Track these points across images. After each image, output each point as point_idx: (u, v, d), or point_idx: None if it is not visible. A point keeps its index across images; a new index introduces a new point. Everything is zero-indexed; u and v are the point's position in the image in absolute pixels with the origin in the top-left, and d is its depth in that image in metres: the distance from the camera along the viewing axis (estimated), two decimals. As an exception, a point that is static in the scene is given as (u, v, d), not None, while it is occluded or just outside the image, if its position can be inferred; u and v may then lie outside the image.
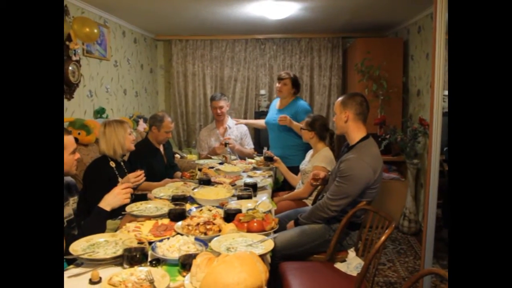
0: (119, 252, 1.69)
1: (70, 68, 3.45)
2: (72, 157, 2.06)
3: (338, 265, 2.32)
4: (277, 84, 4.00)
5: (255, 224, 1.95)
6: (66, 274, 1.57)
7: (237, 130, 4.39)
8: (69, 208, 2.07)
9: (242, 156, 4.17)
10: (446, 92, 3.90)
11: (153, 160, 3.35)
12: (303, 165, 3.34)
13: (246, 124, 4.55)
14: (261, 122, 4.63)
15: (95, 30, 3.48)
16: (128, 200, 2.12)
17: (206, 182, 2.92)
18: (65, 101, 3.52)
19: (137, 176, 2.52)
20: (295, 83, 4.00)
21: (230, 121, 4.41)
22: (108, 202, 2.03)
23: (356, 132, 2.44)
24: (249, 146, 4.41)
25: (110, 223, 2.20)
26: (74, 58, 3.50)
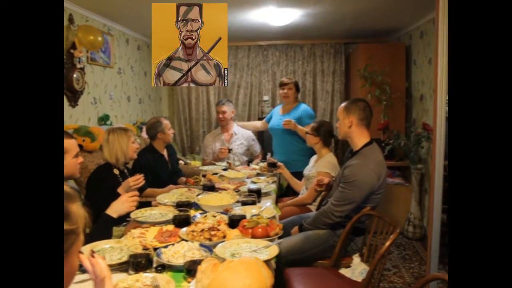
0: (124, 259, 1.70)
1: (74, 75, 3.48)
2: (75, 161, 2.07)
3: (343, 271, 2.32)
4: (281, 91, 4.04)
5: (259, 230, 1.95)
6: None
7: (243, 136, 4.41)
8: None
9: (249, 157, 4.33)
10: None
11: (158, 167, 3.36)
12: (307, 171, 3.34)
13: (243, 127, 4.58)
14: (255, 123, 4.67)
15: (99, 38, 3.51)
16: (134, 208, 2.14)
17: (210, 188, 2.92)
18: (70, 108, 3.55)
19: (136, 180, 2.53)
20: (298, 87, 4.10)
21: (236, 127, 4.45)
22: (115, 209, 2.05)
23: (359, 138, 2.44)
24: (258, 151, 4.52)
25: (114, 229, 2.20)
26: (78, 65, 3.53)
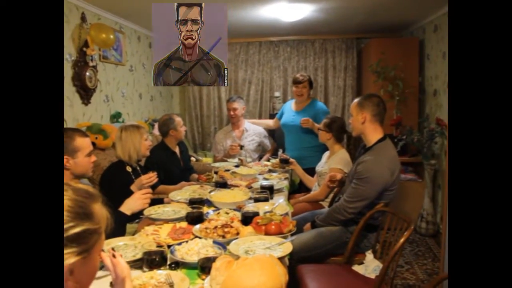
0: (139, 256, 1.71)
1: (87, 73, 3.50)
2: (88, 159, 2.08)
3: (356, 268, 2.31)
4: (295, 88, 4.00)
5: (273, 226, 1.95)
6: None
7: (254, 132, 4.41)
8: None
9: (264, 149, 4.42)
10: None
11: (170, 164, 3.37)
12: (319, 167, 3.32)
13: (253, 124, 4.58)
14: (267, 122, 4.66)
15: (111, 36, 3.53)
16: (147, 205, 2.15)
17: (222, 185, 2.93)
18: (83, 106, 3.57)
19: (149, 178, 2.54)
20: (311, 84, 4.08)
21: (247, 124, 4.45)
22: (129, 206, 2.06)
23: (373, 134, 2.42)
24: (270, 146, 4.54)
25: (128, 226, 2.22)
26: (91, 64, 3.55)
